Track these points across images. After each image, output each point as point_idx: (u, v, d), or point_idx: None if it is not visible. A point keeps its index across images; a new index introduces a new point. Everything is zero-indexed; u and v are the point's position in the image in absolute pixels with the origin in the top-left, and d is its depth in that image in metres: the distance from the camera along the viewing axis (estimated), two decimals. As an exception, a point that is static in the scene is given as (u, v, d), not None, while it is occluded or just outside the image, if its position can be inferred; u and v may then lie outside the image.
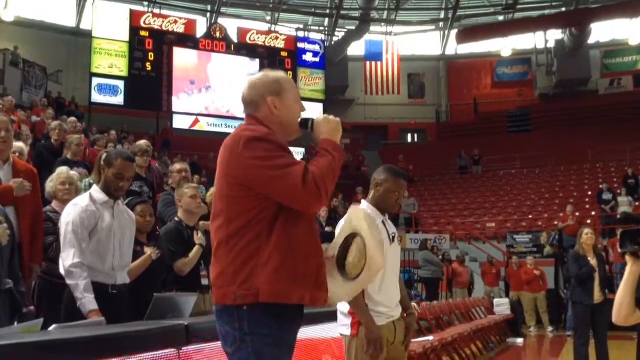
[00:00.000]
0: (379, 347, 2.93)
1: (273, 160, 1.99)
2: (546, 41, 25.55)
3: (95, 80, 20.28)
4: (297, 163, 2.00)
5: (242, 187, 2.04)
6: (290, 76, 18.20)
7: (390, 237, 3.19)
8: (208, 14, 24.69)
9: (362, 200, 3.29)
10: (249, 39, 22.67)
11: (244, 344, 2.01)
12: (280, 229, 2.02)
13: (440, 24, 26.90)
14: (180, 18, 22.02)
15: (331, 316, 3.37)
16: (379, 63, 24.81)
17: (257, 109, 2.16)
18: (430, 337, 6.86)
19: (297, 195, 1.96)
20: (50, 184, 4.11)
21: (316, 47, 24.08)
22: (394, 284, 3.20)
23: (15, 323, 2.68)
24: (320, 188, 1.95)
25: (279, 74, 2.24)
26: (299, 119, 2.20)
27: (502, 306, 11.83)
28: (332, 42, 25.23)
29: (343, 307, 3.09)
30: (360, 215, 2.37)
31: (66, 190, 4.04)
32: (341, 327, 3.13)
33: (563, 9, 24.33)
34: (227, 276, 2.03)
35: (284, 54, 23.16)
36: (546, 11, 24.46)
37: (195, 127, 21.27)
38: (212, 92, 21.73)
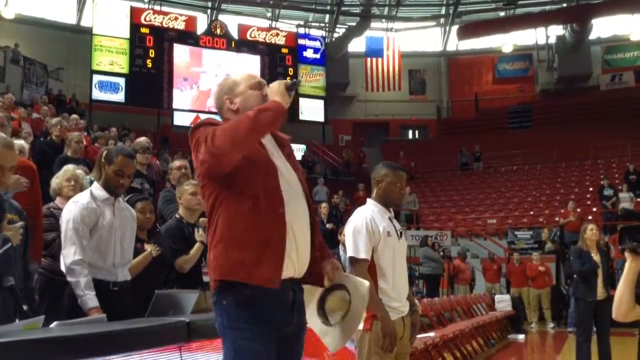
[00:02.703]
0: (394, 341, 3.00)
1: (199, 139, 2.05)
2: (547, 37, 25.50)
3: (96, 78, 20.27)
4: (212, 131, 2.03)
5: (201, 178, 2.14)
6: (292, 72, 18.08)
7: (398, 233, 3.26)
8: (209, 11, 24.68)
9: (368, 200, 3.35)
10: (250, 35, 22.64)
11: (225, 339, 2.07)
12: (224, 207, 2.07)
13: (442, 20, 26.86)
14: (180, 15, 21.98)
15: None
16: (380, 59, 24.78)
17: (222, 111, 2.28)
18: (432, 334, 6.86)
19: (207, 157, 2.01)
20: (56, 180, 4.12)
21: (317, 44, 24.04)
22: (404, 279, 3.28)
23: (17, 320, 2.68)
24: (215, 137, 1.98)
25: (231, 74, 2.34)
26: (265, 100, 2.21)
27: (503, 303, 11.84)
28: (333, 39, 25.20)
29: None
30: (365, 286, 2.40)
31: (71, 187, 4.05)
32: None
33: (564, 4, 24.29)
34: (209, 264, 2.14)
35: (284, 50, 23.13)
36: (547, 7, 24.41)
37: (197, 124, 21.26)
38: (213, 89, 21.72)
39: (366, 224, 3.14)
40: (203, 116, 21.17)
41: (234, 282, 2.03)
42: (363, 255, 3.09)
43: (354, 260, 3.12)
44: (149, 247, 3.83)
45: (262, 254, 2.03)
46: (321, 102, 22.91)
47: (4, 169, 2.71)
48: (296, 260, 2.11)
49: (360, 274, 3.03)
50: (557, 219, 15.76)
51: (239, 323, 2.02)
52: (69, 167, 4.26)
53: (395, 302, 3.15)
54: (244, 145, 2.02)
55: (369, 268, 3.10)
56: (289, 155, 2.26)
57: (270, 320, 2.04)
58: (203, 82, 21.75)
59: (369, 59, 24.83)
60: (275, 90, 2.15)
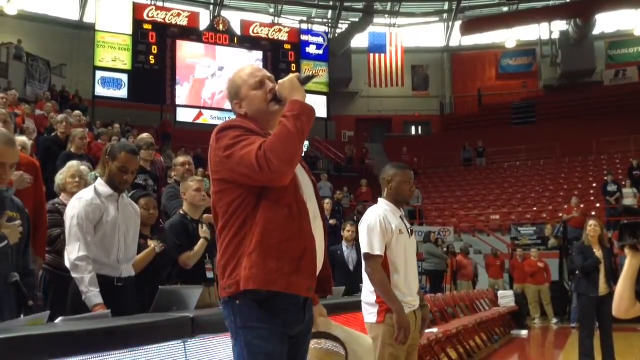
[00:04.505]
0: (408, 333, 3.16)
1: (233, 147, 2.00)
2: (551, 32, 25.42)
3: (99, 74, 20.28)
4: (254, 143, 1.98)
5: (222, 182, 2.08)
6: (294, 69, 18.03)
7: (409, 231, 3.42)
8: (211, 7, 24.66)
9: (380, 199, 3.51)
10: (253, 31, 22.61)
11: (239, 338, 2.04)
12: (260, 216, 2.02)
13: (445, 15, 26.79)
14: (183, 11, 21.96)
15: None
16: (382, 55, 24.73)
17: (236, 114, 2.25)
18: (435, 330, 6.88)
19: (256, 175, 1.96)
20: (60, 177, 4.12)
21: (320, 40, 24.00)
22: (414, 275, 3.44)
23: (22, 316, 2.70)
24: (272, 162, 1.93)
25: (234, 74, 2.26)
26: (270, 98, 2.17)
27: (506, 298, 11.84)
28: (336, 35, 25.14)
29: (369, 297, 3.32)
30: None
31: (76, 184, 4.05)
32: (368, 316, 3.34)
33: None
34: (221, 270, 2.08)
35: (287, 46, 23.10)
36: (551, 2, 24.33)
37: (199, 121, 21.29)
38: (216, 85, 21.72)
39: (380, 222, 3.29)
40: (206, 112, 21.40)
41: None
42: (377, 251, 3.26)
43: (369, 257, 3.29)
44: (152, 243, 3.84)
45: (300, 263, 2.03)
46: (324, 98, 22.88)
47: (5, 166, 2.71)
48: (318, 268, 2.15)
49: (375, 270, 3.25)
50: (560, 214, 15.74)
51: (253, 322, 2.00)
52: (73, 164, 4.26)
53: (408, 296, 3.30)
54: (298, 160, 2.04)
55: (383, 264, 3.27)
56: (304, 167, 2.25)
57: (284, 320, 2.03)
58: (202, 77, 21.74)
59: (371, 55, 24.79)
60: (289, 87, 2.11)
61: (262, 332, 2.00)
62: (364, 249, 3.31)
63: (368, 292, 3.33)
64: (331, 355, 2.35)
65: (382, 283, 3.22)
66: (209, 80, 21.74)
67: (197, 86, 21.69)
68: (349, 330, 2.50)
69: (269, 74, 2.25)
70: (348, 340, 2.41)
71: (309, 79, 2.17)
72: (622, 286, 2.21)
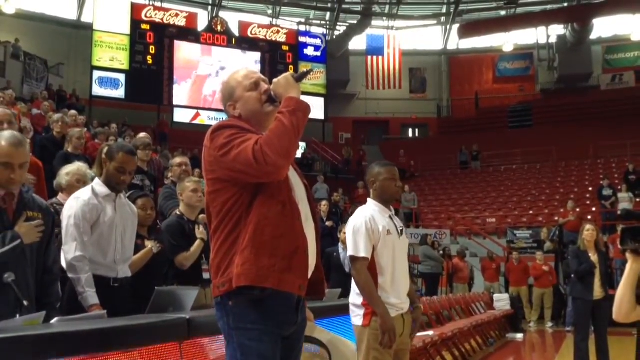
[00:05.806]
0: (393, 337, 3.06)
1: (229, 145, 2.02)
2: (548, 36, 25.49)
3: (97, 74, 20.26)
4: (250, 139, 2.00)
5: (217, 181, 2.09)
6: (292, 70, 17.98)
7: (399, 231, 3.32)
8: (209, 8, 24.65)
9: (369, 200, 3.42)
10: (251, 33, 22.62)
11: (231, 339, 2.04)
12: (253, 214, 2.03)
13: (442, 18, 26.85)
14: (181, 11, 21.97)
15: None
16: (380, 58, 24.76)
17: (228, 116, 2.26)
18: (431, 332, 6.87)
19: (252, 170, 1.97)
20: (66, 177, 4.04)
21: (318, 42, 24.03)
22: (404, 277, 3.33)
23: (17, 316, 2.68)
24: (268, 156, 1.95)
25: (229, 77, 2.29)
26: (265, 99, 2.19)
27: (502, 302, 11.86)
28: (334, 37, 25.18)
29: (356, 299, 3.24)
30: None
31: (78, 188, 4.02)
32: (354, 318, 3.25)
33: (565, 4, 24.28)
34: (214, 269, 2.09)
35: (285, 48, 23.12)
36: (548, 6, 24.40)
37: (196, 121, 21.28)
38: (213, 86, 21.71)
39: (365, 223, 3.21)
40: (203, 113, 21.39)
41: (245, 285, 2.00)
42: (363, 253, 3.17)
43: (354, 259, 3.21)
44: (149, 244, 3.83)
45: (292, 261, 2.03)
46: (321, 100, 22.90)
47: (13, 167, 2.70)
48: (309, 267, 2.15)
49: (360, 272, 3.16)
50: (556, 218, 15.76)
51: (246, 324, 2.00)
52: (81, 167, 4.17)
53: (393, 298, 3.20)
54: (293, 155, 2.06)
55: (369, 265, 3.18)
56: (295, 169, 2.26)
57: (277, 321, 2.03)
58: (204, 74, 21.74)
59: (369, 57, 24.81)
60: (285, 84, 2.13)
61: (255, 333, 2.00)
62: (349, 252, 3.24)
63: (354, 294, 3.26)
64: (314, 358, 2.35)
65: (366, 286, 3.14)
66: (211, 78, 21.72)
67: (199, 82, 21.70)
68: (332, 334, 2.50)
69: (263, 76, 2.27)
70: (331, 344, 2.41)
71: (304, 75, 2.20)
72: (623, 290, 2.22)
